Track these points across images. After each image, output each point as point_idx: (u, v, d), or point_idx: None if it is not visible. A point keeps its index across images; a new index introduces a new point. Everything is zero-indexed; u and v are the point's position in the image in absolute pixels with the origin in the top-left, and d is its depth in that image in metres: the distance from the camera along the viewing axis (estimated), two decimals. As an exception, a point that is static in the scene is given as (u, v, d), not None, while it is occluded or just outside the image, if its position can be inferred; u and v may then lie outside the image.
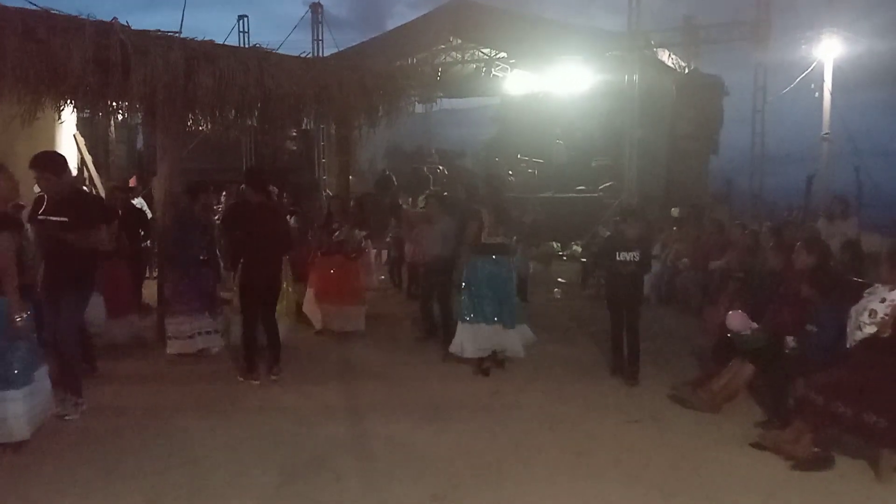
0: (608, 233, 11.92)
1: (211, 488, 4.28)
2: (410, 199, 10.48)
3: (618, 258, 6.43)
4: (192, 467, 4.55)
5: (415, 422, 5.38)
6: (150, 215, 10.66)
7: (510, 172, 16.89)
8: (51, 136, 11.51)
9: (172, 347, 6.97)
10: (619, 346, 6.62)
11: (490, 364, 6.68)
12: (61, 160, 5.45)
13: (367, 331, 8.14)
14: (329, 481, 4.38)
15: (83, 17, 6.47)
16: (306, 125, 14.76)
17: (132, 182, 11.25)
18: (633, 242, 6.47)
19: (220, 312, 7.31)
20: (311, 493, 4.22)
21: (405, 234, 9.84)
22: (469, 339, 6.61)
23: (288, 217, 8.53)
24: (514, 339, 6.79)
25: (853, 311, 4.90)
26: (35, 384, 4.80)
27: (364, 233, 8.82)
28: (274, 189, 10.09)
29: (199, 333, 7.06)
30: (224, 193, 11.96)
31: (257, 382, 6.32)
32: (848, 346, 4.89)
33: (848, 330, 4.92)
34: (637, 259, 6.43)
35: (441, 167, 19.14)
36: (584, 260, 12.13)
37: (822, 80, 14.69)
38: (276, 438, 5.04)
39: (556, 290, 10.78)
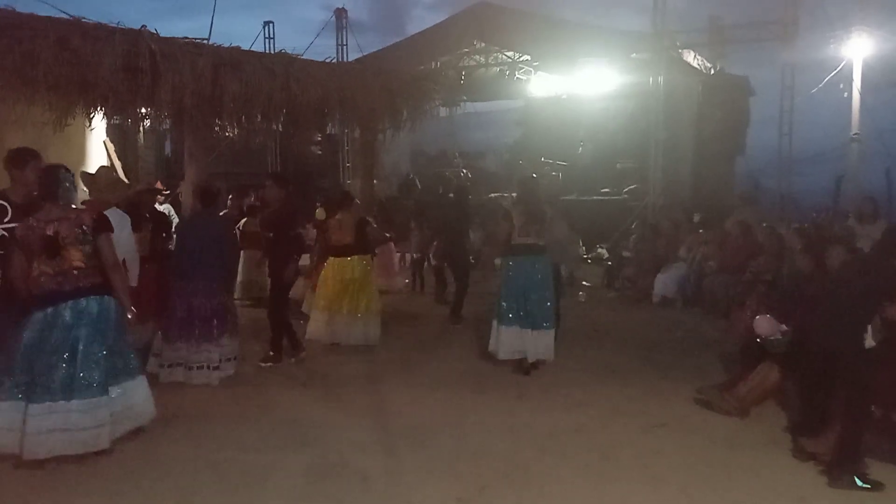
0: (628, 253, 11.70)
1: (239, 490, 4.32)
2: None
3: None
4: (220, 469, 4.60)
5: (440, 423, 5.40)
6: (176, 220, 10.81)
7: (534, 175, 16.86)
8: (81, 143, 11.69)
9: (164, 376, 6.27)
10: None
11: (526, 367, 6.65)
12: (20, 154, 4.91)
13: (392, 332, 8.20)
14: (355, 482, 4.40)
15: (113, 24, 6.60)
16: (331, 129, 14.86)
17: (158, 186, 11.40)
18: None
19: (225, 334, 6.44)
20: (336, 494, 4.24)
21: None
22: (503, 341, 6.67)
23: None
24: (547, 341, 6.72)
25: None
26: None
27: (390, 235, 8.91)
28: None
29: (198, 368, 6.32)
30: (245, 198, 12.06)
31: (304, 354, 7.12)
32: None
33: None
34: None
35: (465, 171, 19.18)
36: (610, 263, 12.07)
37: (851, 80, 14.46)
38: (303, 439, 5.08)
39: (580, 293, 10.74)
